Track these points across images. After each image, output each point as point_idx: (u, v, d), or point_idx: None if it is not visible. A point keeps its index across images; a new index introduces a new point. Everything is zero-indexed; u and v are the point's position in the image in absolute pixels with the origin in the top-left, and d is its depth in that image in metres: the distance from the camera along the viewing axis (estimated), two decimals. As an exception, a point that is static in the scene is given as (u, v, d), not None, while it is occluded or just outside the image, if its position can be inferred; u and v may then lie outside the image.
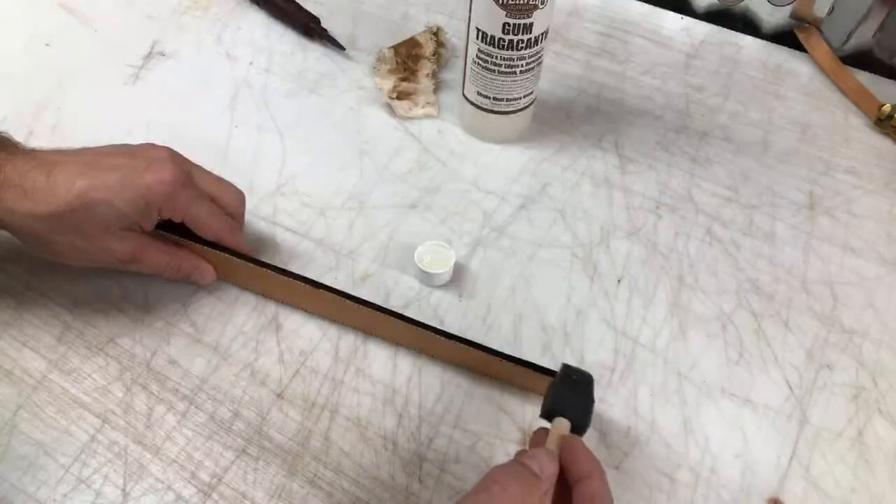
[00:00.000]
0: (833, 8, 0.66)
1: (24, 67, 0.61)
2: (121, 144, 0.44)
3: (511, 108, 0.55)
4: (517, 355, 0.42)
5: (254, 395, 0.43)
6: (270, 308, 0.47)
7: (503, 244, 0.51)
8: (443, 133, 0.59)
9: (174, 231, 0.45)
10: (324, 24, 0.65)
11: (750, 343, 0.47)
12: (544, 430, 0.36)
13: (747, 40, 0.69)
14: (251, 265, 0.45)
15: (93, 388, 0.43)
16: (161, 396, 0.43)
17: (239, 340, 0.45)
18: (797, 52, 0.68)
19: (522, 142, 0.58)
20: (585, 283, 0.49)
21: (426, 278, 0.48)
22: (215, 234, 0.45)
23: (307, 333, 0.46)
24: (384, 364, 0.45)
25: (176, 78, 0.61)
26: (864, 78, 0.65)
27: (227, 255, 0.45)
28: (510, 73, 0.52)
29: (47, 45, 0.63)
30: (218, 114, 0.59)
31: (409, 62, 0.62)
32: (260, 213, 0.52)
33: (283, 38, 0.66)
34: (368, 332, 0.46)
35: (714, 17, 0.71)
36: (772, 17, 0.70)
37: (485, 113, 0.55)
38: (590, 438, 0.42)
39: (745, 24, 0.71)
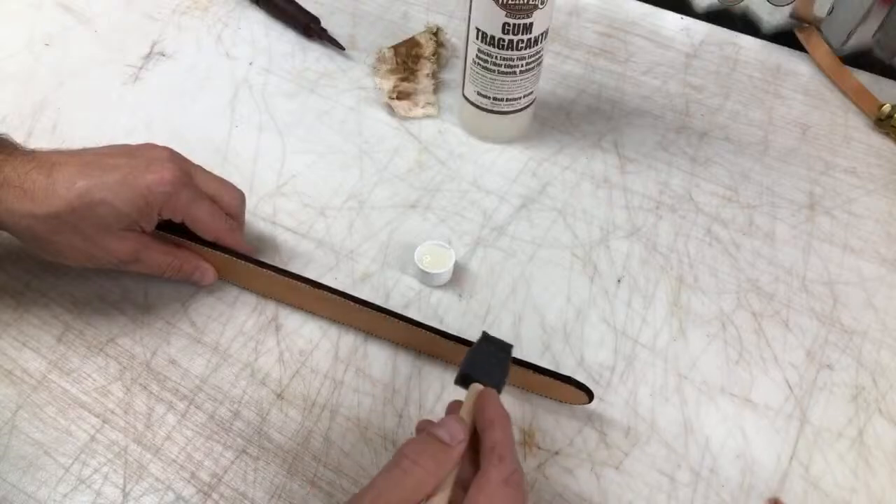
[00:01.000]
0: (833, 8, 0.66)
1: (24, 67, 0.61)
2: (121, 144, 0.44)
3: (511, 108, 0.55)
4: (517, 355, 0.42)
5: (254, 395, 0.43)
6: (270, 308, 0.47)
7: (503, 244, 0.51)
8: (443, 133, 0.59)
9: (174, 232, 0.45)
10: (324, 24, 0.65)
11: (750, 343, 0.47)
12: (458, 402, 0.36)
13: (747, 40, 0.69)
14: (251, 265, 0.45)
15: (93, 388, 0.43)
16: (161, 396, 0.43)
17: (239, 340, 0.45)
18: (797, 52, 0.68)
19: (522, 142, 0.58)
20: (585, 283, 0.49)
21: (426, 278, 0.48)
22: (215, 234, 0.45)
23: (307, 333, 0.46)
24: (384, 364, 0.45)
25: (176, 78, 0.61)
26: (864, 78, 0.65)
27: (227, 255, 0.45)
28: (510, 73, 0.52)
29: (47, 45, 0.63)
30: (218, 114, 0.59)
31: (409, 62, 0.62)
32: (260, 213, 0.52)
33: (283, 38, 0.66)
34: (368, 332, 0.46)
35: (714, 17, 0.71)
36: (772, 17, 0.70)
37: (485, 113, 0.55)
38: (590, 438, 0.42)
39: (745, 24, 0.71)
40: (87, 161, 0.41)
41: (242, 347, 0.45)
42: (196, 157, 0.45)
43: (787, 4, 0.68)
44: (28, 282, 0.47)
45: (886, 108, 0.60)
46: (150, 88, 0.60)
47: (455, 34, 0.67)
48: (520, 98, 0.54)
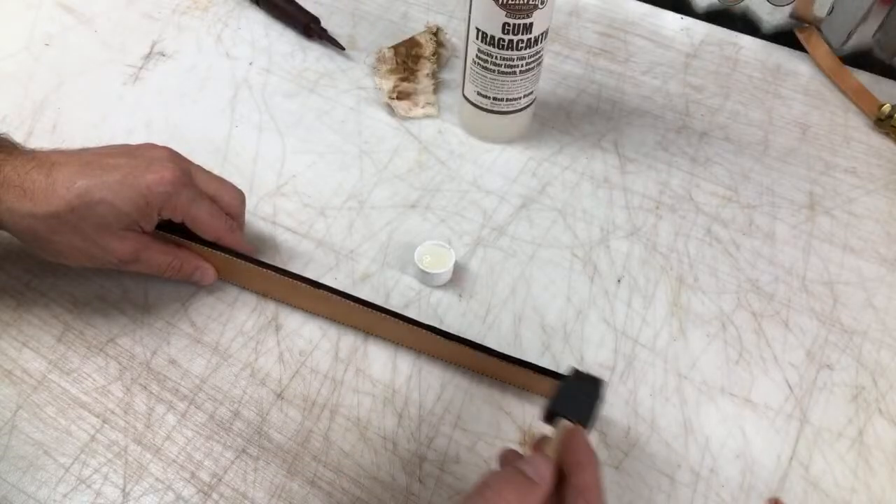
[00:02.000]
0: (833, 8, 0.66)
1: (24, 67, 0.61)
2: (121, 144, 0.44)
3: (511, 108, 0.55)
4: (517, 355, 0.42)
5: (254, 395, 0.43)
6: (270, 308, 0.47)
7: (503, 244, 0.51)
8: (443, 133, 0.59)
9: (174, 232, 0.45)
10: (324, 24, 0.65)
11: (750, 343, 0.47)
12: (546, 438, 0.35)
13: (747, 40, 0.69)
14: (251, 265, 0.45)
15: (93, 388, 0.43)
16: (161, 396, 0.43)
17: (239, 340, 0.45)
18: (797, 52, 0.68)
19: (522, 142, 0.58)
20: (585, 283, 0.49)
21: (426, 278, 0.48)
22: (215, 234, 0.45)
23: (307, 333, 0.46)
24: (384, 364, 0.45)
25: (176, 78, 0.61)
26: (864, 78, 0.65)
27: (227, 255, 0.45)
28: (510, 73, 0.52)
29: (47, 45, 0.63)
30: (218, 114, 0.59)
31: (409, 62, 0.62)
32: (260, 213, 0.52)
33: (283, 38, 0.66)
34: (368, 332, 0.46)
35: (714, 17, 0.71)
36: (772, 17, 0.70)
37: (485, 113, 0.55)
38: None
39: (745, 24, 0.71)
40: (87, 161, 0.41)
41: (242, 347, 0.45)
42: (196, 157, 0.45)
43: (787, 4, 0.68)
44: (28, 282, 0.47)
45: (886, 108, 0.60)
46: (150, 88, 0.60)
47: (455, 34, 0.67)
48: (520, 98, 0.54)
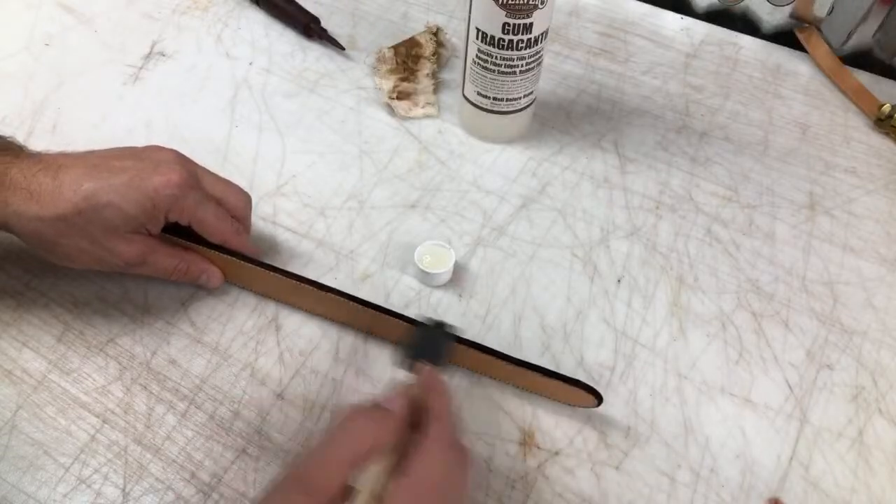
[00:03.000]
0: (833, 8, 0.66)
1: (24, 67, 0.61)
2: (127, 147, 0.44)
3: (511, 108, 0.55)
4: (517, 355, 0.42)
5: (254, 395, 0.43)
6: (270, 308, 0.47)
7: (503, 244, 0.51)
8: (443, 133, 0.59)
9: (180, 235, 0.45)
10: (324, 24, 0.65)
11: (750, 343, 0.47)
12: (406, 384, 0.37)
13: (747, 40, 0.69)
14: (257, 268, 0.45)
15: (93, 388, 0.43)
16: (161, 396, 0.43)
17: (239, 340, 0.45)
18: (797, 52, 0.68)
19: (522, 142, 0.58)
20: (585, 283, 0.49)
21: (426, 278, 0.48)
22: (221, 236, 0.44)
23: (307, 333, 0.46)
24: (384, 364, 0.45)
25: (176, 78, 0.61)
26: (864, 78, 0.65)
27: (233, 258, 0.45)
28: (510, 73, 0.52)
29: (47, 45, 0.63)
30: (218, 114, 0.59)
31: (409, 62, 0.62)
32: (260, 213, 0.52)
33: (282, 38, 0.66)
34: (368, 332, 0.46)
35: (714, 17, 0.71)
36: (772, 17, 0.70)
37: (485, 113, 0.55)
38: (590, 438, 0.42)
39: (745, 24, 0.71)
40: (93, 163, 0.41)
41: (242, 347, 0.45)
42: (196, 157, 0.45)
43: (787, 4, 0.68)
44: (28, 282, 0.47)
45: (886, 108, 0.60)
46: (150, 88, 0.60)
47: (455, 34, 0.67)
48: (520, 98, 0.54)
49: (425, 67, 0.62)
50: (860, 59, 0.66)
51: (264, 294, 0.47)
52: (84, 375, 0.43)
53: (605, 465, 0.41)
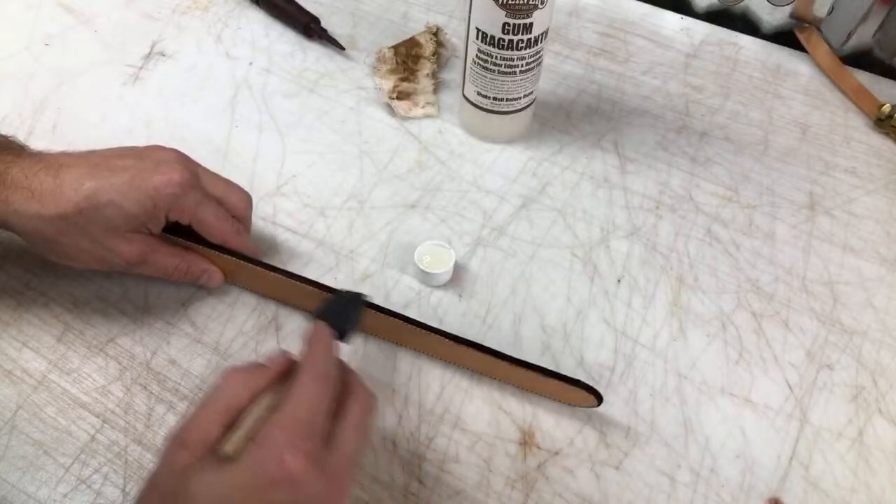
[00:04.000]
0: (833, 8, 0.66)
1: (24, 67, 0.61)
2: (128, 146, 0.44)
3: (511, 108, 0.55)
4: (517, 355, 0.42)
5: (254, 395, 0.43)
6: (270, 308, 0.47)
7: (503, 244, 0.51)
8: (443, 133, 0.59)
9: (181, 235, 0.45)
10: (324, 24, 0.65)
11: (750, 343, 0.47)
12: None
13: (747, 40, 0.69)
14: (257, 268, 0.45)
15: (93, 388, 0.43)
16: (161, 396, 0.43)
17: (239, 340, 0.45)
18: (797, 52, 0.68)
19: (522, 142, 0.58)
20: (585, 283, 0.49)
21: (426, 278, 0.48)
22: (222, 236, 0.44)
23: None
24: (384, 364, 0.45)
25: (176, 78, 0.61)
26: (864, 78, 0.65)
27: (232, 258, 0.45)
28: (510, 73, 0.52)
29: (47, 45, 0.63)
30: (218, 114, 0.59)
31: (409, 62, 0.62)
32: (260, 213, 0.52)
33: (283, 38, 0.66)
34: (368, 332, 0.46)
35: (714, 17, 0.71)
36: (772, 17, 0.70)
37: (485, 113, 0.55)
38: (590, 438, 0.42)
39: (745, 24, 0.71)
40: (94, 162, 0.41)
41: (242, 347, 0.45)
42: (196, 156, 0.45)
43: (787, 4, 0.68)
44: (28, 282, 0.47)
45: (886, 108, 0.60)
46: (150, 88, 0.60)
47: (455, 34, 0.67)
48: (520, 98, 0.54)
49: (425, 67, 0.62)
50: (860, 59, 0.66)
51: (264, 294, 0.47)
52: (84, 375, 0.43)
53: (605, 465, 0.41)
